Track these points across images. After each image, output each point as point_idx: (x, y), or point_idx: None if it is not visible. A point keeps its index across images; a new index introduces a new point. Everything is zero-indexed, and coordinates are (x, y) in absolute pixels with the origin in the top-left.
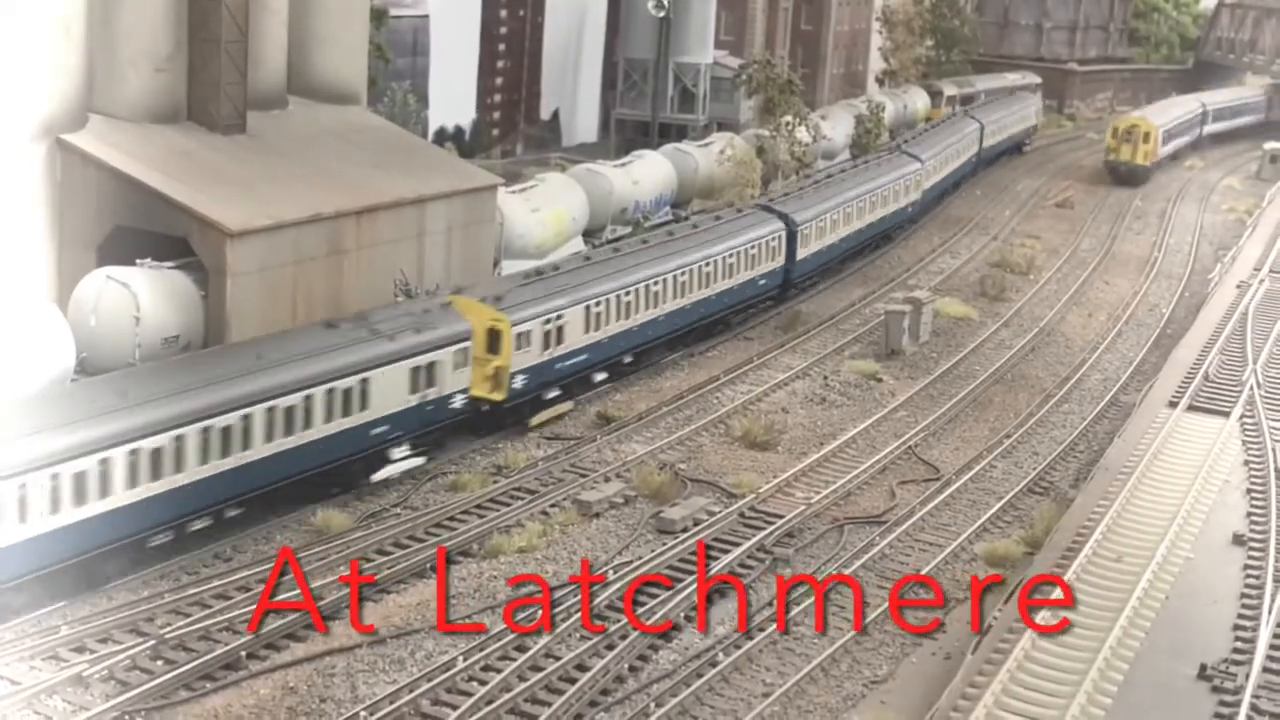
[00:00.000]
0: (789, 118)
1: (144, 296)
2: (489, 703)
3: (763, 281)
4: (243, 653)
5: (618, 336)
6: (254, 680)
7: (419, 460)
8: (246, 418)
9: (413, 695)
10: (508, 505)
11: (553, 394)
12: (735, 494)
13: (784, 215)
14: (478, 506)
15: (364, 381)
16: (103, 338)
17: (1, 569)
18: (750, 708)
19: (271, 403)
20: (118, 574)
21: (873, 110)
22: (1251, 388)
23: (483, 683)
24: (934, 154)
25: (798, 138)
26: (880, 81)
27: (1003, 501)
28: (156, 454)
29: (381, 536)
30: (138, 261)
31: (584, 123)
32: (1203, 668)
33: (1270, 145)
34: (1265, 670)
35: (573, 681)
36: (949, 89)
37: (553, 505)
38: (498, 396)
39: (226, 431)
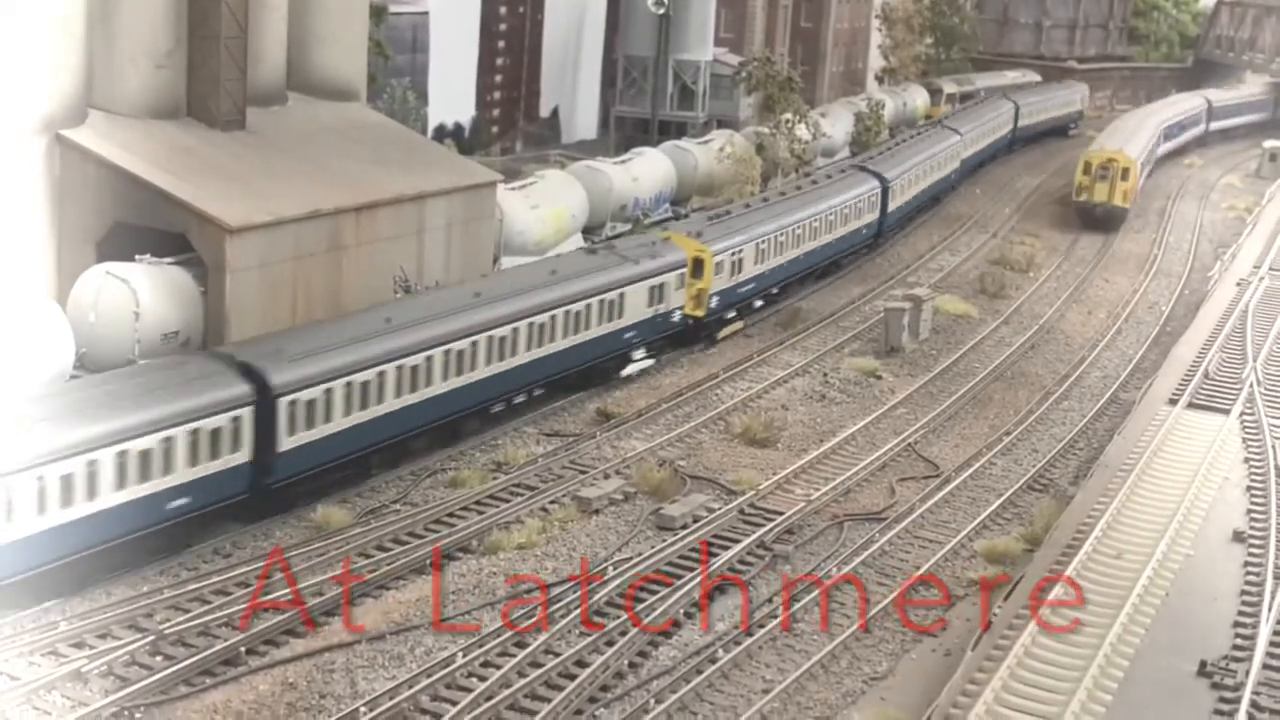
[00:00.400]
0: (789, 115)
1: (144, 292)
2: (488, 699)
3: (865, 230)
4: (242, 648)
5: (774, 270)
6: (253, 676)
7: (650, 362)
8: (552, 318)
9: (412, 691)
10: (507, 502)
11: (730, 314)
12: (735, 491)
13: (878, 174)
14: (477, 503)
15: (621, 295)
16: (102, 334)
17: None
18: (750, 704)
19: (566, 308)
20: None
21: (872, 108)
22: (1251, 385)
23: (482, 679)
24: (971, 129)
25: (797, 135)
26: (880, 79)
27: (1002, 499)
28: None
29: (381, 533)
30: (137, 257)
31: (583, 120)
32: (1203, 664)
33: (1270, 143)
34: (1265, 667)
35: (572, 678)
36: (949, 87)
37: (552, 502)
38: (700, 313)
39: (542, 326)
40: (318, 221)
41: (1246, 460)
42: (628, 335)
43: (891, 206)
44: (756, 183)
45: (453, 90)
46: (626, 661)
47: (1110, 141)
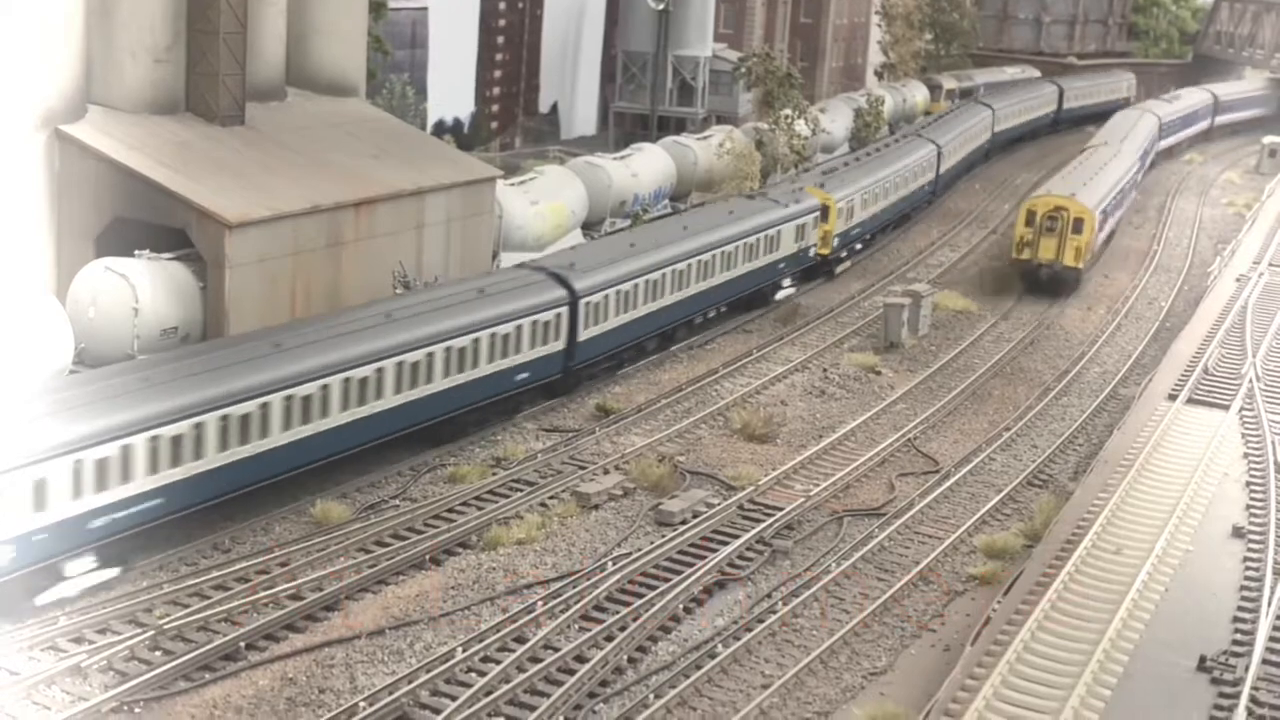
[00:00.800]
0: (788, 111)
1: (143, 288)
2: (488, 694)
3: (926, 187)
4: (242, 643)
5: (873, 218)
6: (253, 671)
7: (793, 290)
8: (735, 248)
9: (412, 686)
10: (506, 497)
11: (842, 255)
12: (734, 486)
13: (934, 141)
14: (476, 498)
15: (779, 233)
16: (101, 329)
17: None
18: (749, 699)
19: (742, 241)
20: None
21: (872, 104)
22: (1251, 381)
23: (482, 674)
24: (1004, 105)
25: (797, 131)
26: (879, 75)
27: (1002, 494)
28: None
29: (381, 528)
30: (136, 253)
31: (583, 115)
32: (1202, 659)
33: (1269, 139)
34: (1265, 662)
35: (572, 673)
36: (948, 83)
37: (551, 497)
38: (825, 251)
39: (705, 263)
40: (317, 217)
41: (1246, 456)
42: (781, 266)
43: (943, 168)
44: (755, 178)
45: (452, 86)
46: (625, 657)
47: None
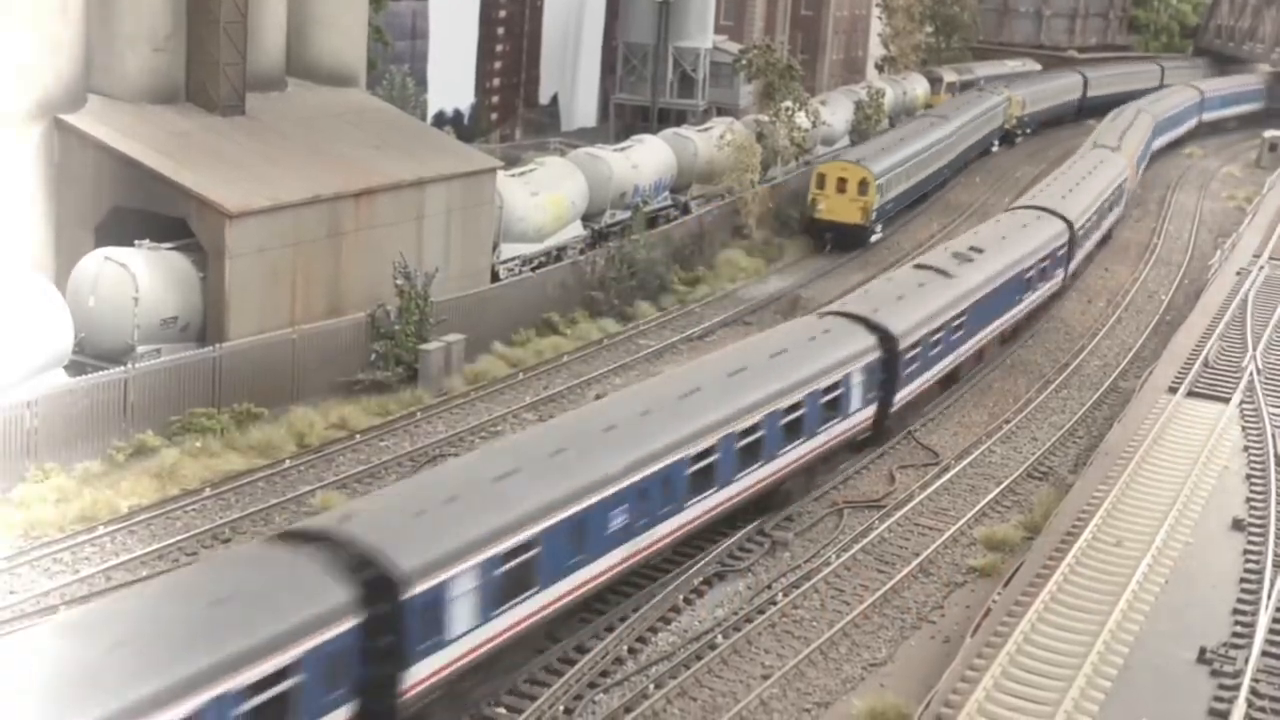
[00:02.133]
0: (789, 103)
1: (142, 277)
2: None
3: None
4: None
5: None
6: None
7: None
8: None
9: None
10: None
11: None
12: None
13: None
14: None
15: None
16: (101, 318)
17: None
18: (749, 690)
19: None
20: None
21: (873, 96)
22: (1251, 374)
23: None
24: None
25: (797, 123)
26: (880, 68)
27: (1002, 486)
28: None
29: None
30: (136, 242)
31: (583, 107)
32: (1202, 651)
33: (1270, 133)
34: (1264, 654)
35: (572, 663)
36: (949, 75)
37: None
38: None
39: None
40: (317, 207)
41: (1246, 449)
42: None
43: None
44: (756, 170)
45: (452, 77)
46: (626, 647)
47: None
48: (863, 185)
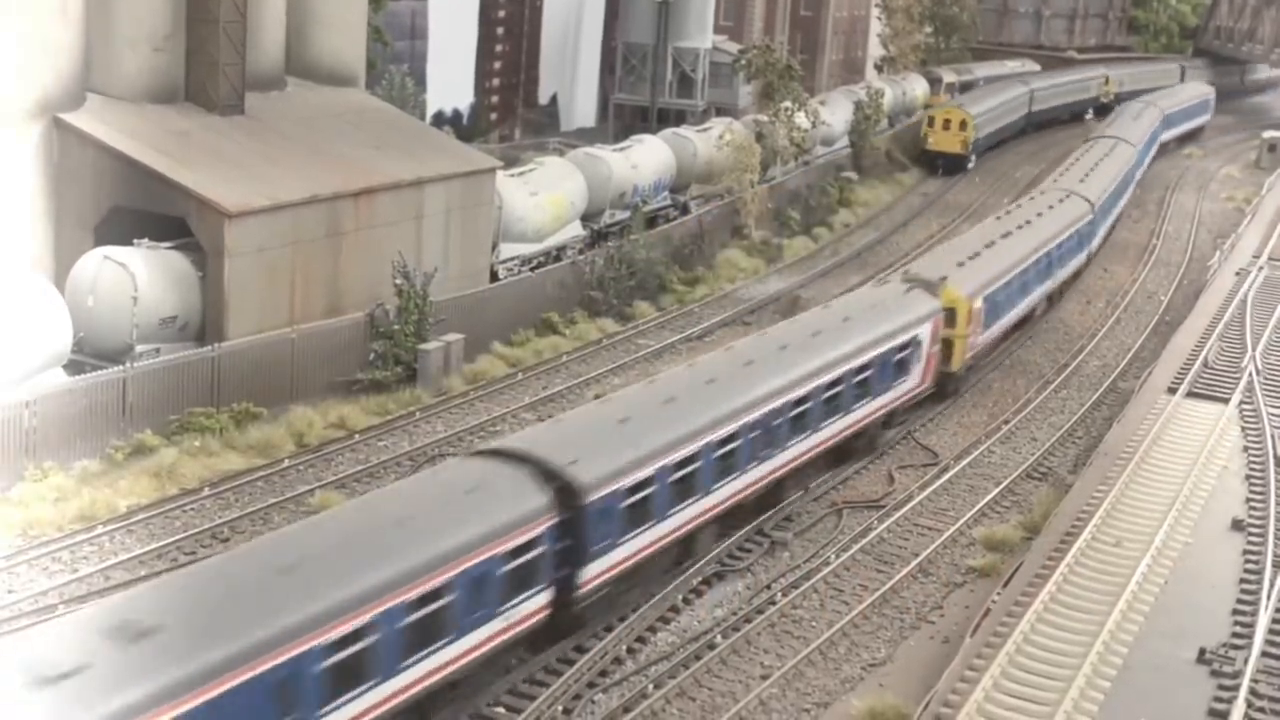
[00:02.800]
0: (788, 103)
1: (142, 277)
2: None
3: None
4: None
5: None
6: None
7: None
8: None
9: None
10: None
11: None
12: None
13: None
14: None
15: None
16: (100, 318)
17: None
18: (748, 690)
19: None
20: None
21: (872, 96)
22: (1250, 374)
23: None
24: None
25: (797, 123)
26: (879, 68)
27: (1001, 487)
28: None
29: None
30: (135, 242)
31: (582, 107)
32: (1201, 651)
33: (1269, 133)
34: (1264, 655)
35: (571, 663)
36: (948, 76)
37: None
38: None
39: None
40: (316, 206)
41: (1245, 449)
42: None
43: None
44: (756, 170)
45: (451, 77)
46: (625, 647)
47: None
48: (964, 124)
